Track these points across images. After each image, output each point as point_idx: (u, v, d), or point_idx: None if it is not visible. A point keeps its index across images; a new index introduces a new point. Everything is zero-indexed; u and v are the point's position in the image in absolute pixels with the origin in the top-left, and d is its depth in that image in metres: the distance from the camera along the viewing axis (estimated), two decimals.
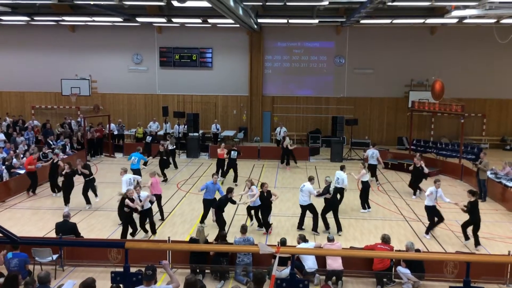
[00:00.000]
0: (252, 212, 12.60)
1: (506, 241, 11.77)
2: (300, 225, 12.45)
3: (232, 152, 17.38)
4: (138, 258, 8.88)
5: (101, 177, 18.06)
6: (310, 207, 12.28)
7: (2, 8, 19.81)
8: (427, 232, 12.09)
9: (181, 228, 12.51)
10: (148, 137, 21.35)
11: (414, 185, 15.76)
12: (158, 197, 12.90)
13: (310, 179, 12.60)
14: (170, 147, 19.19)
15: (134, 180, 13.20)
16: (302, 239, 9.86)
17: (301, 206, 12.33)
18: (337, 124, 22.30)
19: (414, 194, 15.76)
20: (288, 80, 26.03)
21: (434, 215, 12.03)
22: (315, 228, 12.24)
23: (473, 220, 11.29)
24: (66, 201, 13.93)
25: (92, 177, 14.40)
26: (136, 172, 15.84)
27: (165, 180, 17.23)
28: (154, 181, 12.77)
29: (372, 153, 17.00)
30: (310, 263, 9.43)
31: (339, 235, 12.03)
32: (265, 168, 20.03)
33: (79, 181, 14.57)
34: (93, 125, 23.20)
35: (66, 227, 10.39)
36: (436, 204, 12.03)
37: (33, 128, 21.89)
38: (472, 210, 11.21)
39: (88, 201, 14.18)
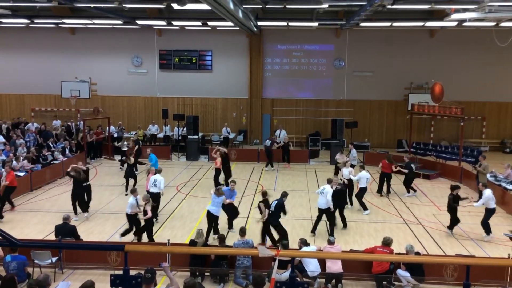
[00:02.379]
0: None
1: (506, 244, 11.76)
2: (314, 229, 12.30)
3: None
4: (137, 260, 8.85)
5: (100, 179, 18.04)
6: (328, 211, 12.09)
7: (2, 10, 19.85)
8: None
9: (180, 231, 12.49)
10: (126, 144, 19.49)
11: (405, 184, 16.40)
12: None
13: (329, 181, 12.44)
14: (125, 148, 19.20)
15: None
16: (304, 243, 9.74)
17: (319, 209, 12.18)
18: (337, 127, 22.31)
19: (408, 192, 16.26)
20: (288, 83, 26.05)
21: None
22: (331, 232, 12.01)
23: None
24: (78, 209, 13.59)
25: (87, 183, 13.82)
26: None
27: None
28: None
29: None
30: (312, 267, 9.39)
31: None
32: (264, 171, 20.02)
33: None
34: (91, 127, 23.16)
35: (65, 230, 10.37)
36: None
37: (39, 130, 21.89)
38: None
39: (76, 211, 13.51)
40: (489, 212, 12.06)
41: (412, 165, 16.39)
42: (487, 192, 12.05)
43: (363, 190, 14.16)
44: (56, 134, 21.81)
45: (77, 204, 13.44)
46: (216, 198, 11.59)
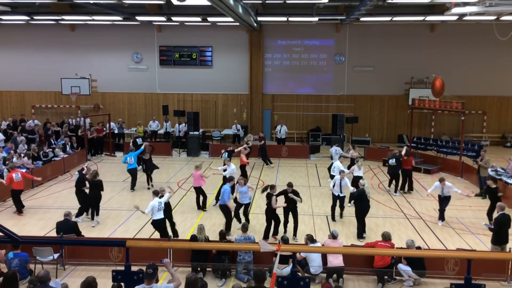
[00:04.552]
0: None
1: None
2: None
3: (224, 154, 16.15)
4: (139, 256, 8.88)
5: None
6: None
7: (1, 7, 19.80)
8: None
9: (182, 227, 12.50)
10: (138, 139, 20.05)
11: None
12: (199, 190, 13.80)
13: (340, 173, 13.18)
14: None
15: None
16: (310, 239, 9.61)
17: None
18: (338, 122, 22.31)
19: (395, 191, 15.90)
20: (288, 78, 26.01)
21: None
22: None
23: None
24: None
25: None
26: (133, 172, 15.74)
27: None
28: (195, 174, 13.78)
29: (335, 151, 17.02)
30: (316, 264, 9.34)
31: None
32: (265, 167, 20.01)
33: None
34: (92, 123, 23.17)
35: (67, 226, 10.39)
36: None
37: (21, 129, 21.76)
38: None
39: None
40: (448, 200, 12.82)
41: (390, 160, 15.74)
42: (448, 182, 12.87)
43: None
44: (55, 131, 21.79)
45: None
46: (240, 188, 12.19)
